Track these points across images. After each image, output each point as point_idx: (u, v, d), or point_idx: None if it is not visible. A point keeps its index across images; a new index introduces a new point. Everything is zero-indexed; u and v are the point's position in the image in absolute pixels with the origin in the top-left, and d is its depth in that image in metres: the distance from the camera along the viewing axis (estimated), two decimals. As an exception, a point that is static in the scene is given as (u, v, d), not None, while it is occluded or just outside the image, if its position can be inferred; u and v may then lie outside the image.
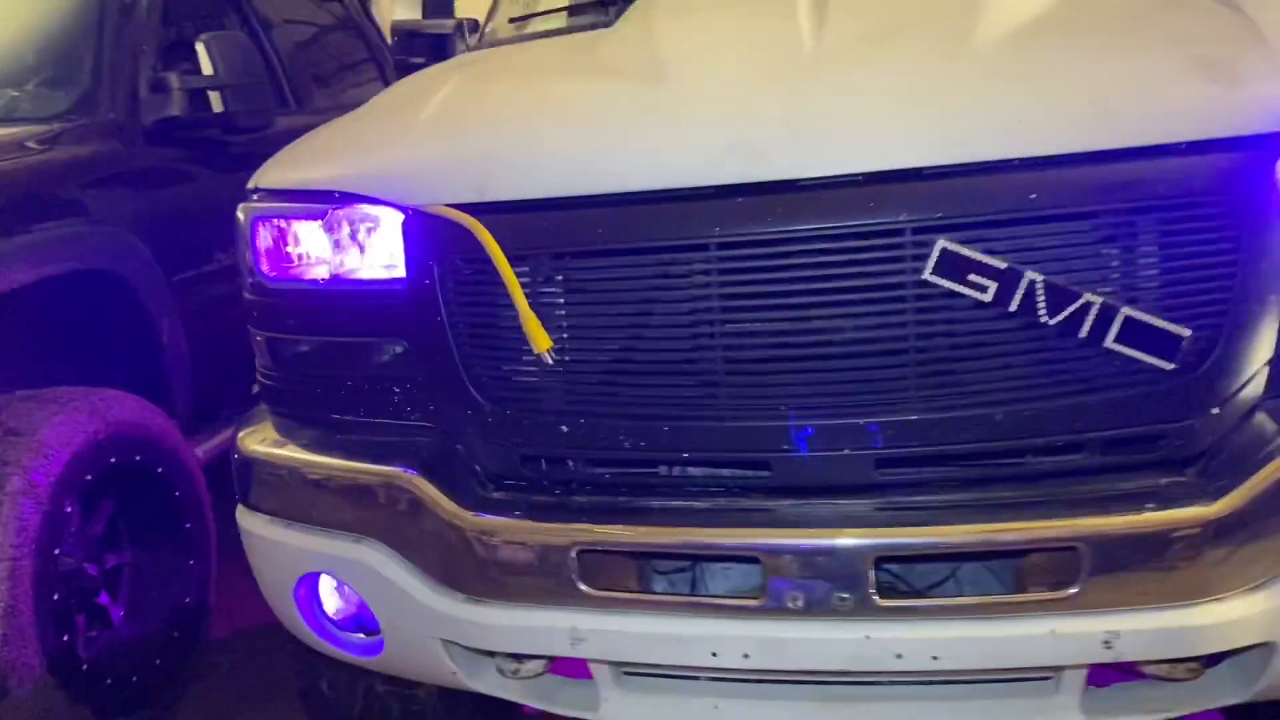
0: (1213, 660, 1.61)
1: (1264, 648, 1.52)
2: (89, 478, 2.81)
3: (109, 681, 2.86)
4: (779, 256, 1.54)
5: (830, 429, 1.55)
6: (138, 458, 2.99)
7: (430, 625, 1.72)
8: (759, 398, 1.57)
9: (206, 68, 3.71)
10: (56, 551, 2.68)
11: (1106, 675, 1.65)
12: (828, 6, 1.84)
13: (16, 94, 3.47)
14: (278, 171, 1.91)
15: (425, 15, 3.40)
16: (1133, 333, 1.47)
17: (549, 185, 1.63)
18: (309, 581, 1.86)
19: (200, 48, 3.69)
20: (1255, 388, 1.51)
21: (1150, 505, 1.47)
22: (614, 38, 2.08)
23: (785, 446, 1.57)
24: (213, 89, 3.74)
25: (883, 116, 1.54)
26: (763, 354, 1.56)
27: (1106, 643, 1.47)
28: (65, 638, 2.72)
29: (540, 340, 1.59)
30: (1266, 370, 1.51)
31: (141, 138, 3.52)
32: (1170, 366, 1.48)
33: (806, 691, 1.66)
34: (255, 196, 1.89)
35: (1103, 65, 1.58)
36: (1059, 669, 1.57)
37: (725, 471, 1.61)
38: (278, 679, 2.85)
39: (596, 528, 1.60)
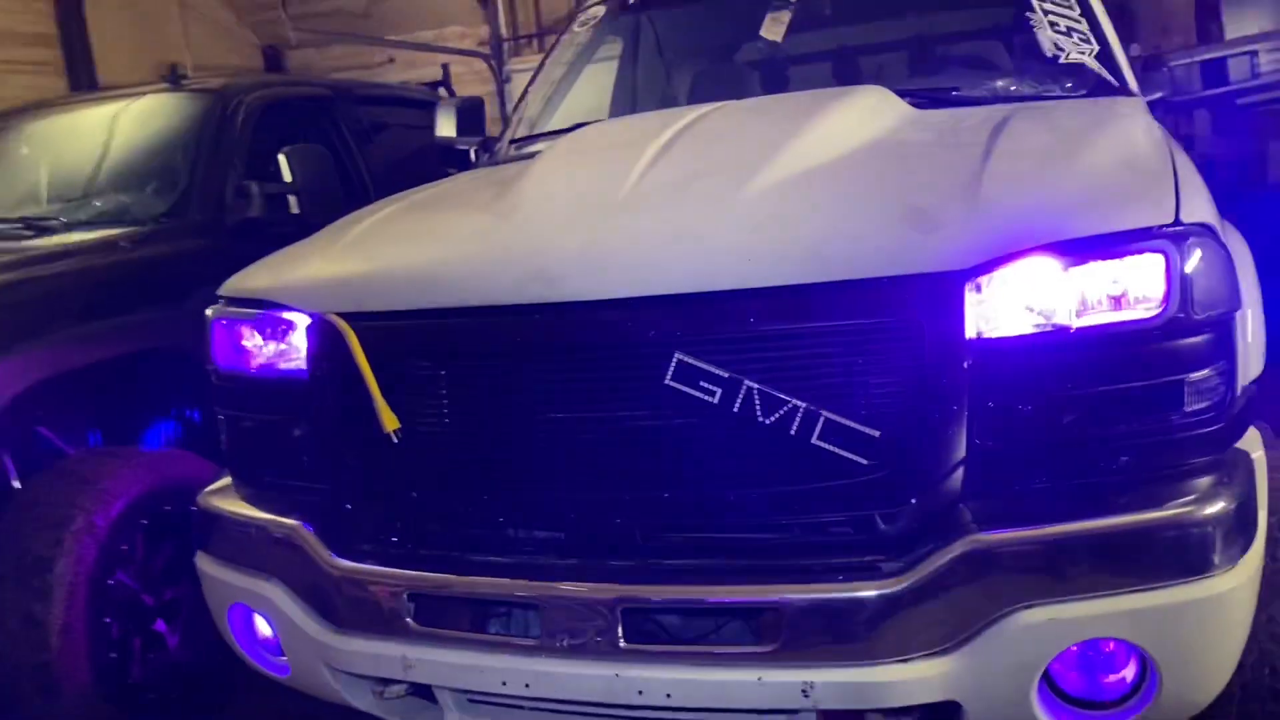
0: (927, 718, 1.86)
1: (954, 706, 1.78)
2: (145, 521, 3.37)
3: (154, 697, 3.37)
4: (569, 363, 1.92)
5: (608, 503, 1.91)
6: (191, 507, 3.55)
7: (316, 651, 2.14)
8: (555, 476, 1.94)
9: (287, 175, 4.35)
10: (111, 582, 3.24)
11: (849, 725, 1.91)
12: (665, 154, 2.23)
13: (124, 199, 4.19)
14: (236, 280, 2.41)
15: (458, 133, 3.93)
16: (834, 432, 1.78)
17: (404, 301, 2.07)
18: (239, 610, 2.32)
19: (281, 159, 4.35)
20: (952, 484, 1.78)
21: (840, 578, 1.76)
22: (507, 173, 2.52)
23: (574, 516, 1.94)
24: (289, 194, 4.37)
25: (646, 252, 1.91)
26: (553, 441, 1.93)
27: (804, 691, 1.76)
28: (114, 655, 3.25)
29: (388, 421, 2.02)
30: (961, 470, 1.78)
31: (225, 235, 4.19)
32: (865, 462, 1.77)
33: (593, 721, 2.00)
34: (220, 301, 2.39)
35: (828, 213, 1.91)
36: (793, 714, 1.86)
37: (529, 534, 1.98)
38: (308, 706, 3.31)
39: (423, 575, 2.00)
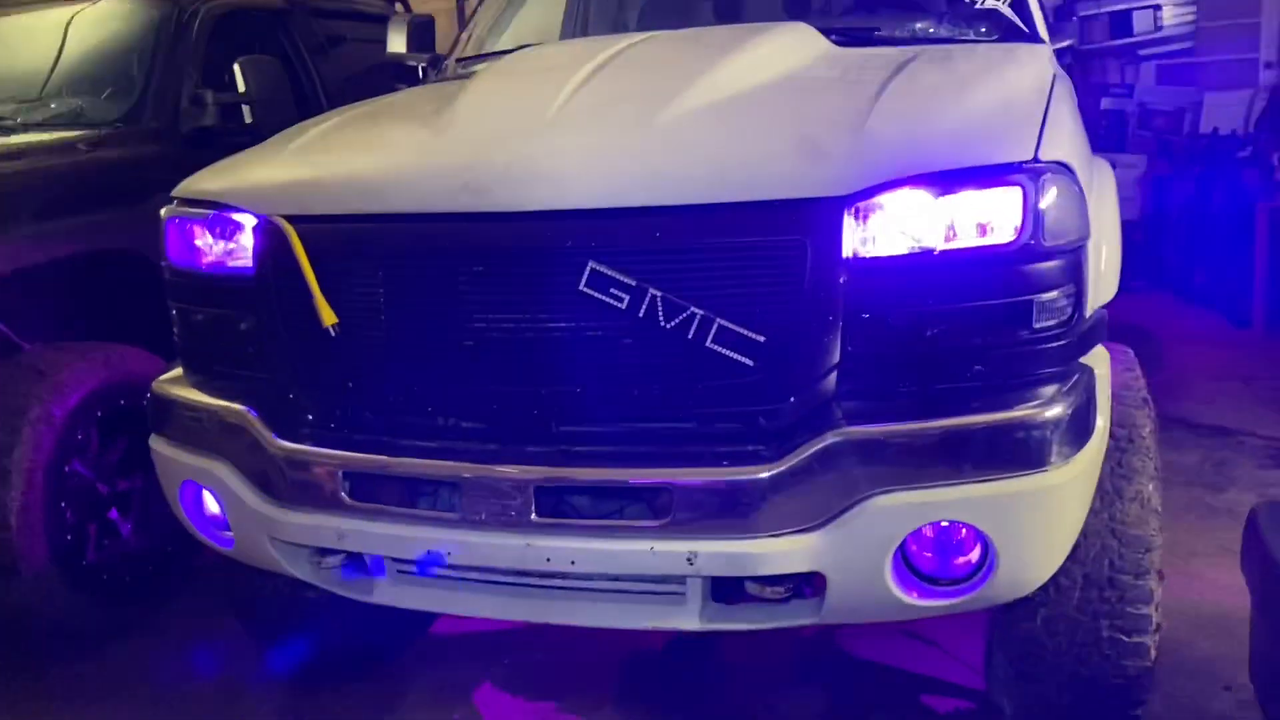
0: (799, 593, 2.12)
1: (820, 577, 2.04)
2: (100, 414, 3.55)
3: (104, 578, 3.58)
4: (494, 267, 2.13)
5: (526, 395, 2.13)
6: (144, 401, 3.72)
7: (259, 524, 2.36)
8: (479, 371, 2.16)
9: (241, 85, 4.46)
10: (67, 470, 3.43)
11: (731, 597, 2.17)
12: (592, 79, 2.41)
13: (80, 102, 4.28)
14: (190, 182, 2.57)
15: (408, 49, 4.06)
16: (726, 337, 2.01)
17: (344, 205, 2.25)
18: (189, 488, 2.52)
19: (236, 68, 4.45)
20: (827, 386, 2.02)
21: (724, 464, 2.00)
22: (448, 90, 2.69)
23: (495, 406, 2.16)
24: (243, 103, 4.48)
25: (566, 169, 2.10)
26: (478, 339, 2.14)
27: (689, 559, 2.01)
28: (70, 539, 3.45)
29: (326, 316, 2.21)
30: (835, 374, 2.02)
31: (180, 142, 4.31)
32: (751, 363, 2.00)
33: (508, 590, 2.24)
34: (174, 202, 2.56)
35: (730, 140, 2.11)
36: (682, 581, 2.11)
37: (455, 422, 2.20)
38: (249, 593, 3.54)
39: (358, 456, 2.21)
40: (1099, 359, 2.20)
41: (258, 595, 3.03)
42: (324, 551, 2.37)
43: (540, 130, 2.22)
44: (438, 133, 2.35)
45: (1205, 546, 3.82)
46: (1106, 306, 2.29)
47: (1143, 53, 3.42)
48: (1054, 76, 2.56)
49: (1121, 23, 3.34)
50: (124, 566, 3.68)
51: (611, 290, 2.03)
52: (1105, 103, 8.07)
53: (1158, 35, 3.32)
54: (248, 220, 2.36)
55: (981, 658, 2.76)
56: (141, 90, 4.31)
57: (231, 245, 2.39)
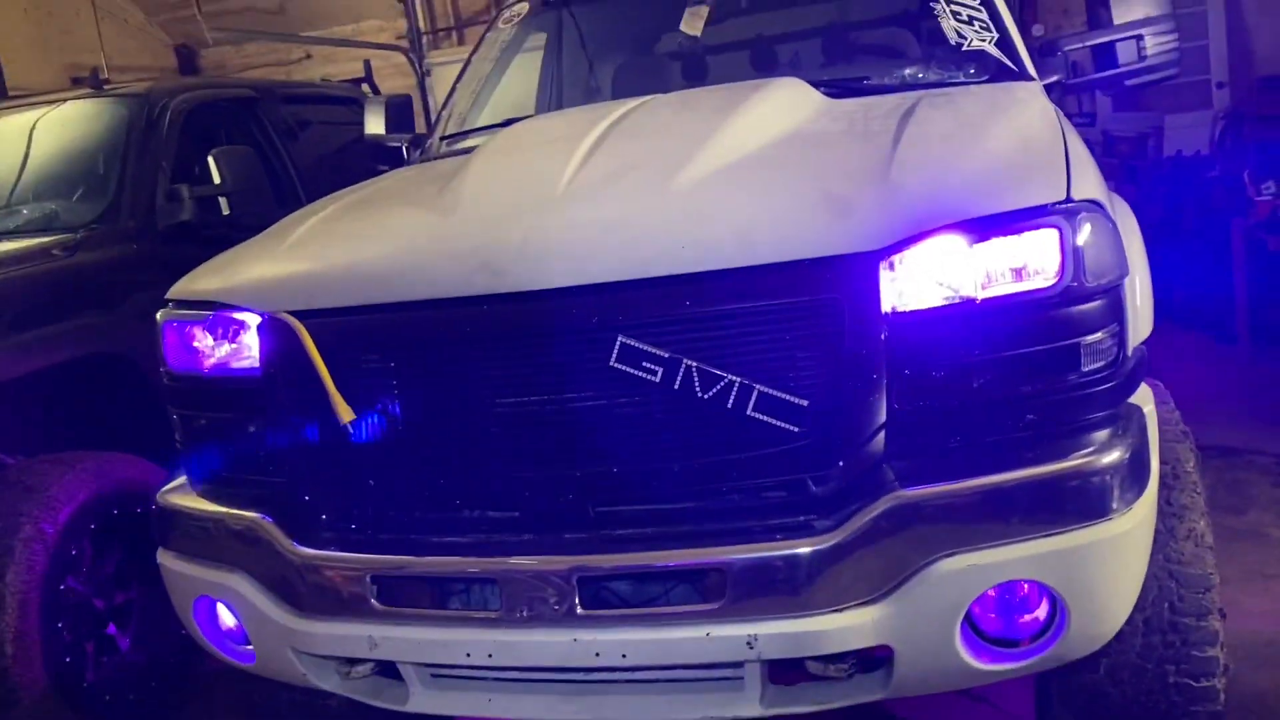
0: (865, 666, 2.02)
1: (886, 650, 1.94)
2: (93, 526, 3.41)
3: (108, 699, 3.42)
4: (517, 348, 2.04)
5: (560, 479, 2.03)
6: (139, 510, 3.58)
7: (282, 637, 2.23)
8: (508, 457, 2.06)
9: (216, 177, 4.38)
10: (62, 588, 3.28)
11: (790, 676, 2.07)
12: (598, 149, 2.35)
13: (53, 206, 4.19)
14: (185, 283, 2.48)
15: (387, 130, 4.00)
16: (767, 404, 1.92)
17: (354, 296, 2.16)
18: (204, 603, 2.39)
19: (210, 161, 4.38)
20: (876, 447, 1.94)
21: (777, 537, 1.91)
22: (444, 169, 2.62)
23: (528, 493, 2.06)
24: (219, 195, 4.39)
25: (584, 243, 2.03)
26: (505, 425, 2.05)
27: (749, 643, 1.91)
28: (68, 660, 3.29)
29: (343, 413, 2.11)
30: (883, 433, 1.94)
31: (158, 239, 4.22)
32: (796, 430, 1.92)
33: (554, 688, 2.12)
34: (169, 305, 2.46)
35: (751, 202, 2.05)
36: (739, 666, 2.00)
37: (484, 514, 2.10)
38: (256, 702, 3.39)
39: (385, 558, 2.10)
40: (1145, 397, 2.14)
41: (274, 707, 2.88)
42: (353, 661, 2.24)
43: (552, 204, 2.15)
44: (444, 214, 2.27)
45: (1234, 572, 3.74)
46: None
47: (1129, 83, 3.41)
48: (1057, 113, 2.53)
49: (1106, 55, 3.34)
50: (126, 683, 3.52)
51: (643, 364, 1.95)
52: (1070, 133, 8.16)
53: (1142, 65, 3.32)
54: (251, 319, 2.26)
55: (1030, 711, 2.65)
56: (115, 190, 4.22)
57: (235, 346, 2.30)
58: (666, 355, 1.94)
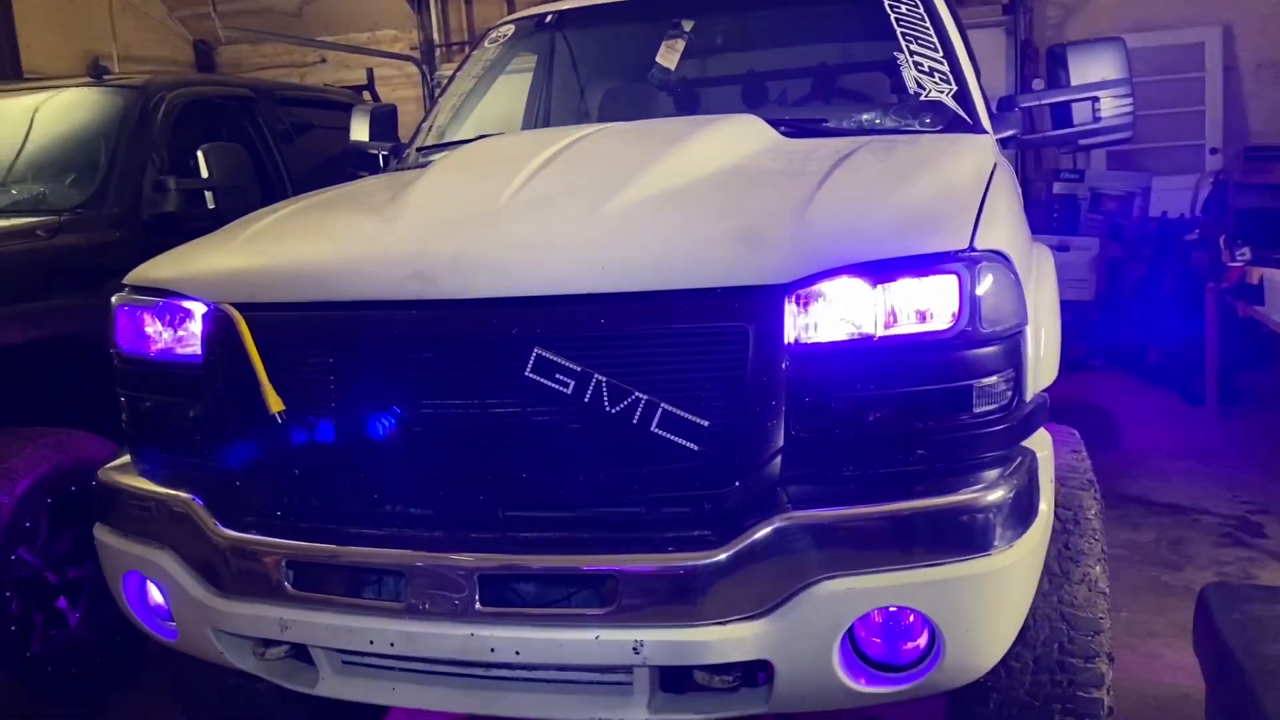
0: (749, 680, 2.11)
1: (767, 665, 2.02)
2: (50, 500, 3.50)
3: (50, 670, 3.50)
4: (441, 354, 2.14)
5: (473, 481, 2.13)
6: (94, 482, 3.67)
7: (202, 615, 2.32)
8: (425, 457, 2.15)
9: (204, 172, 4.50)
10: (13, 558, 3.36)
11: (681, 686, 2.15)
12: (543, 170, 2.45)
13: (42, 188, 4.31)
14: (141, 270, 2.58)
15: (370, 138, 4.12)
16: (671, 423, 2.02)
17: (293, 293, 2.27)
18: (133, 578, 2.48)
19: (200, 155, 4.50)
20: (772, 470, 2.03)
21: (669, 549, 2.00)
22: (405, 179, 2.73)
23: (441, 493, 2.15)
24: (206, 189, 4.51)
25: (512, 258, 2.13)
26: (425, 426, 2.14)
27: (635, 648, 1.99)
28: (14, 629, 3.38)
29: (273, 403, 2.21)
30: (780, 458, 2.03)
31: (141, 228, 4.33)
32: (696, 448, 2.02)
33: (455, 681, 2.21)
34: (125, 289, 2.56)
35: (673, 229, 2.16)
36: (629, 671, 2.08)
37: (399, 509, 2.19)
38: (191, 685, 3.46)
39: (301, 544, 2.19)
40: (1041, 442, 2.23)
41: (205, 688, 2.96)
42: (268, 643, 2.33)
43: (488, 219, 2.25)
44: (388, 221, 2.38)
45: (1162, 627, 3.83)
46: (1050, 389, 2.33)
47: (1083, 143, 3.52)
48: (995, 166, 2.63)
49: (1062, 114, 3.45)
50: (71, 657, 3.60)
51: (557, 376, 2.04)
52: (1057, 187, 8.28)
53: (1097, 125, 3.42)
54: (197, 308, 2.36)
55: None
56: (104, 177, 4.34)
57: (181, 333, 2.40)
58: (579, 369, 2.03)
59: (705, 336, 2.03)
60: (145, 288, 2.49)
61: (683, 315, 2.03)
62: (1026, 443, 2.18)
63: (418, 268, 2.15)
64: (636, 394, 2.02)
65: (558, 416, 2.07)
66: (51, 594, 3.62)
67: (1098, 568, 2.39)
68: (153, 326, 2.44)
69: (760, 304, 2.01)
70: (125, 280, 2.57)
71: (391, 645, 2.11)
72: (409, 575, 2.10)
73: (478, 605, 2.06)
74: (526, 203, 2.30)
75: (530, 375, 2.05)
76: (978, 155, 2.76)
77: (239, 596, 2.25)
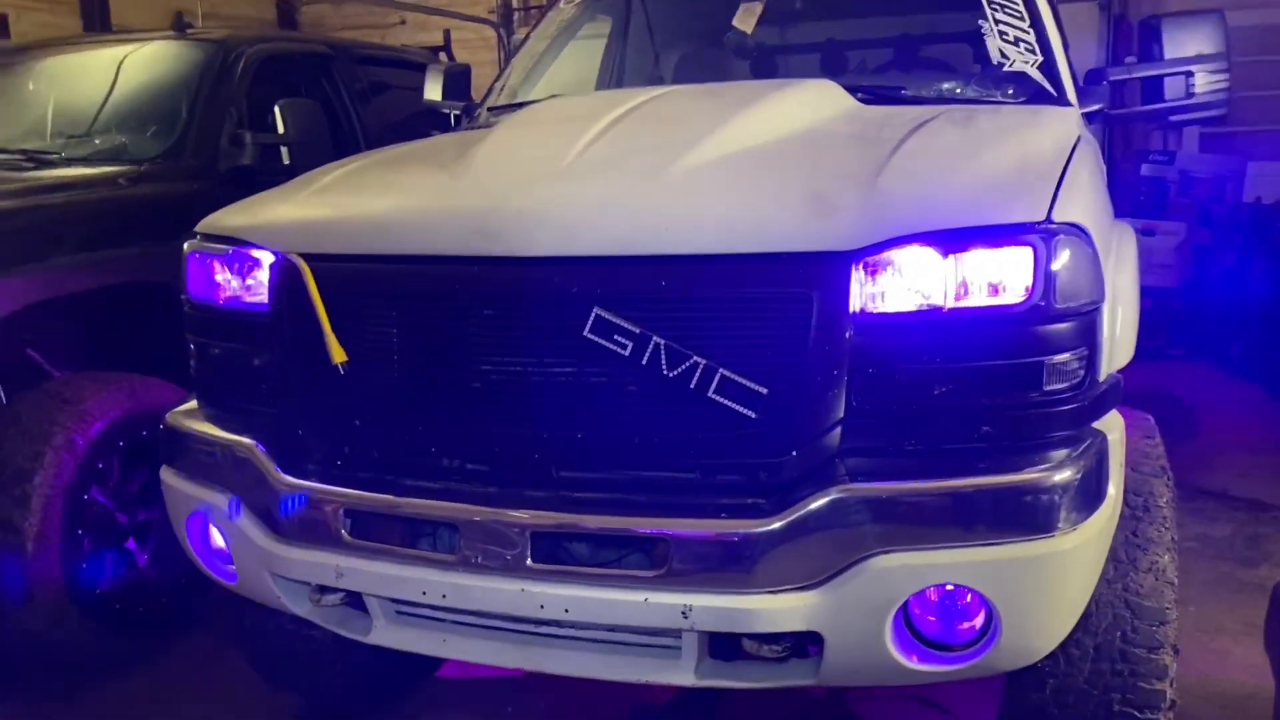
0: (799, 651, 2.08)
1: (817, 637, 2.00)
2: (123, 444, 3.59)
3: (118, 607, 3.60)
4: (501, 311, 2.13)
5: (528, 439, 2.12)
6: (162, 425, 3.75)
7: (261, 559, 2.36)
8: (482, 414, 2.16)
9: (281, 127, 4.56)
10: (86, 498, 3.46)
11: (730, 653, 2.13)
12: (611, 130, 2.43)
13: (123, 139, 4.39)
14: (213, 218, 2.61)
15: (443, 97, 4.13)
16: (729, 389, 1.99)
17: (358, 245, 2.28)
18: (196, 520, 2.53)
19: (276, 110, 4.55)
20: (831, 441, 2.00)
21: (723, 515, 1.98)
22: (474, 137, 2.72)
23: (497, 449, 2.15)
24: (282, 144, 4.57)
25: (576, 217, 2.11)
26: (483, 382, 2.14)
27: (684, 613, 1.98)
28: (85, 566, 3.48)
29: (336, 353, 2.23)
30: (839, 429, 1.99)
31: (218, 180, 4.40)
32: (753, 415, 1.99)
33: (505, 636, 2.22)
34: (196, 237, 2.60)
35: (742, 192, 2.12)
36: (678, 635, 2.07)
37: (455, 464, 2.20)
38: (258, 630, 3.53)
39: (359, 494, 2.22)
40: (1113, 424, 2.16)
41: (265, 632, 3.02)
42: (323, 589, 2.36)
43: (553, 178, 2.23)
44: (455, 177, 2.37)
45: (1233, 623, 3.71)
46: (1125, 371, 2.25)
47: (1174, 118, 3.38)
48: (1078, 139, 2.54)
49: (1153, 89, 3.32)
50: (138, 597, 3.69)
51: (615, 337, 2.03)
52: (1145, 169, 8.02)
53: (1189, 101, 3.29)
54: (265, 257, 2.39)
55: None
56: (183, 129, 4.41)
57: (249, 281, 2.42)
58: (638, 331, 2.01)
59: (768, 302, 1.99)
60: (216, 236, 2.52)
61: (745, 280, 1.99)
62: (1097, 424, 2.11)
63: (482, 224, 2.14)
64: (695, 358, 2.00)
65: (615, 378, 2.05)
66: (122, 535, 3.71)
67: (1166, 557, 2.32)
68: (222, 274, 2.48)
69: (826, 271, 1.97)
70: (197, 228, 2.61)
71: (443, 597, 2.13)
72: (463, 529, 2.11)
73: (529, 561, 2.06)
74: (593, 162, 2.27)
75: (589, 336, 2.04)
76: (1061, 127, 2.67)
77: (297, 543, 2.28)
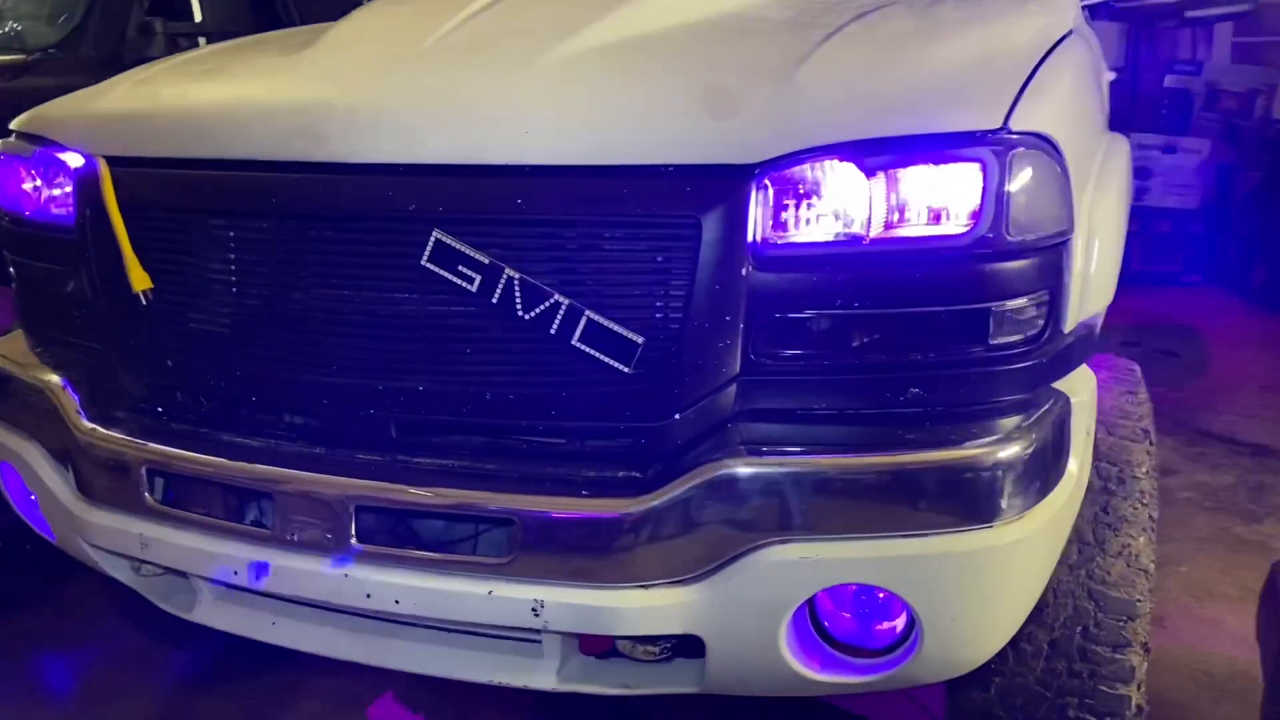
0: (684, 651, 1.72)
1: (697, 641, 1.63)
2: None
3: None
4: (328, 231, 1.73)
5: (358, 391, 1.73)
6: None
7: (68, 520, 2.00)
8: (308, 356, 1.76)
9: (198, 15, 4.10)
10: None
11: (603, 649, 1.77)
12: (483, 13, 1.98)
13: (19, 26, 3.95)
14: (31, 113, 2.20)
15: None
16: (596, 335, 1.59)
17: (170, 146, 1.87)
18: (7, 469, 2.17)
19: (194, -1, 4.09)
20: (723, 403, 1.60)
21: (583, 493, 1.59)
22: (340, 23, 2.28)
23: (325, 401, 1.77)
24: (199, 35, 4.12)
25: (419, 115, 1.70)
26: (307, 318, 1.75)
27: (534, 610, 1.61)
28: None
29: (137, 279, 1.84)
30: (733, 388, 1.60)
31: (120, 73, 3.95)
32: (627, 370, 1.59)
33: (343, 621, 1.86)
34: (11, 136, 2.19)
35: (625, 90, 1.69)
36: (538, 633, 1.71)
37: (277, 417, 1.82)
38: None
39: (160, 449, 1.84)
40: (1079, 384, 1.76)
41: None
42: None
43: (401, 68, 1.82)
44: (288, 68, 1.95)
45: (1226, 587, 3.35)
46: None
47: (1189, 14, 2.91)
48: (1069, 33, 2.09)
49: (1168, -22, 2.85)
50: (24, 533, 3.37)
51: (460, 267, 1.62)
52: (1169, 80, 7.42)
53: (1208, -6, 2.82)
54: (73, 160, 1.98)
55: None
56: (83, 15, 3.96)
57: (55, 190, 2.03)
58: (486, 261, 1.61)
59: (645, 228, 1.58)
60: (27, 134, 2.11)
61: (618, 199, 1.58)
62: (1059, 384, 1.71)
63: (308, 122, 1.73)
64: (556, 297, 1.59)
65: (461, 319, 1.66)
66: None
67: (1141, 539, 1.94)
68: (29, 180, 2.08)
69: (718, 188, 1.55)
70: (12, 124, 2.20)
71: (257, 579, 1.76)
72: (277, 498, 1.74)
73: (353, 540, 1.69)
74: (451, 49, 1.85)
75: (428, 265, 1.63)
76: (1047, 18, 2.20)
77: (101, 504, 1.92)
